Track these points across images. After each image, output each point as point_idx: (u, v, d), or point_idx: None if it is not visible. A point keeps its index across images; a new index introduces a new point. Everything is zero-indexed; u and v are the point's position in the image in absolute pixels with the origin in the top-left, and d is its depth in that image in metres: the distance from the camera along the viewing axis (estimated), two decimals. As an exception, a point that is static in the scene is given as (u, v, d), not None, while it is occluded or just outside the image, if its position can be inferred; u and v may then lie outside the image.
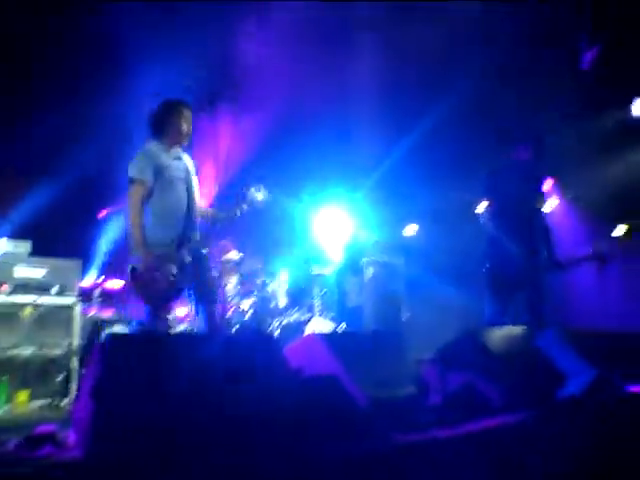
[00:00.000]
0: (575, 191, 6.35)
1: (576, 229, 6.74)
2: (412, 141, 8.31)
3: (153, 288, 3.58)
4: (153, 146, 3.87)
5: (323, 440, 2.33)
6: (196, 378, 2.28)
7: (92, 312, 5.94)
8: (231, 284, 5.80)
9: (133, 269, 3.63)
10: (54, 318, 5.21)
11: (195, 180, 3.96)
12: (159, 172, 3.74)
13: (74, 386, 4.94)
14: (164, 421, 2.10)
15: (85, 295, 5.99)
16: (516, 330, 3.90)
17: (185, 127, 3.91)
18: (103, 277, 6.68)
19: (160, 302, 3.68)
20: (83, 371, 5.01)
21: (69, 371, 5.01)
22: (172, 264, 3.64)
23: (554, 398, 3.38)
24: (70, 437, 2.48)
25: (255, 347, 2.70)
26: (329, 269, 6.87)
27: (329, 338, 2.97)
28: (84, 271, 6.22)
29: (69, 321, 5.27)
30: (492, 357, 3.27)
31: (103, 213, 8.85)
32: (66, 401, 4.81)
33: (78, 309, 5.42)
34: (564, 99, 7.85)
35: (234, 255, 5.83)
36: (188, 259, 3.72)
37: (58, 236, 7.25)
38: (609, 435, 2.97)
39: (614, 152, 8.58)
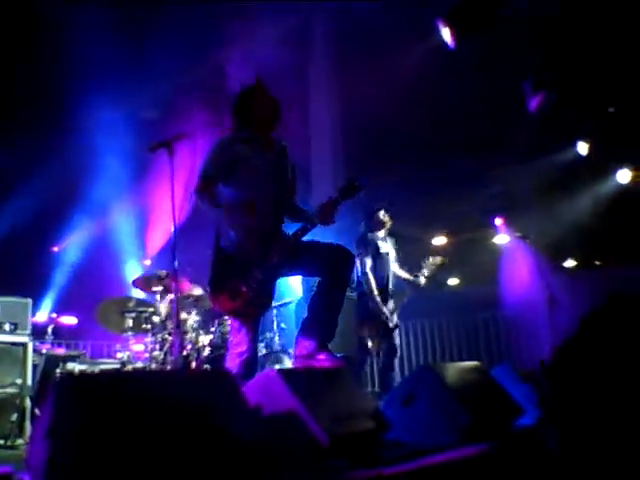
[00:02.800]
0: (524, 229, 6.61)
1: (527, 264, 6.94)
2: (370, 176, 8.45)
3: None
4: (229, 136, 3.71)
5: (281, 478, 2.33)
6: (153, 417, 2.27)
7: (45, 349, 5.82)
8: (190, 319, 5.74)
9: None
10: (6, 356, 5.10)
11: (289, 172, 3.79)
12: (235, 164, 3.57)
13: (28, 425, 4.81)
14: (121, 463, 2.08)
15: (38, 331, 5.88)
16: (471, 364, 3.98)
17: (263, 112, 3.69)
18: (56, 313, 6.56)
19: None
20: (37, 410, 4.89)
21: (23, 410, 4.88)
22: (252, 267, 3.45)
23: (510, 430, 3.45)
24: (25, 479, 2.42)
25: (213, 384, 2.68)
26: (289, 302, 6.87)
27: (287, 374, 2.97)
28: (35, 308, 6.12)
29: (22, 359, 5.16)
30: (449, 390, 3.32)
31: (57, 248, 8.73)
32: (20, 441, 4.67)
33: (30, 347, 5.31)
34: (514, 141, 8.15)
35: (194, 290, 5.79)
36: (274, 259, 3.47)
37: (7, 274, 7.13)
38: (561, 466, 3.04)
39: (563, 190, 8.90)
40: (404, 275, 6.16)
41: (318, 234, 3.75)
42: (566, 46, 5.46)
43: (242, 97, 3.77)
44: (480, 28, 4.92)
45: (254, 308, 3.52)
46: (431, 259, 6.08)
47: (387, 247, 6.15)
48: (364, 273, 5.95)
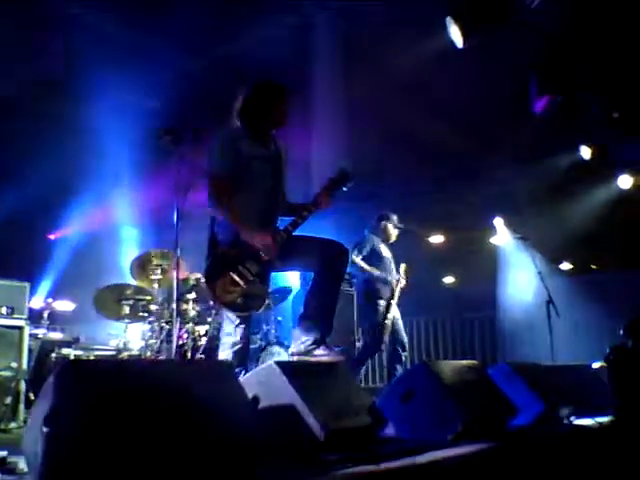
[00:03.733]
0: (523, 230, 6.66)
1: (525, 265, 6.97)
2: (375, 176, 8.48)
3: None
4: (231, 132, 3.69)
5: (277, 471, 2.34)
6: (153, 405, 2.27)
7: (41, 334, 5.81)
8: (187, 309, 5.74)
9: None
10: (2, 340, 5.09)
11: (284, 171, 3.81)
12: (239, 160, 3.56)
13: (22, 409, 4.81)
14: (119, 450, 2.08)
15: (34, 316, 5.87)
16: (468, 362, 3.99)
17: (278, 117, 3.73)
18: (52, 299, 6.54)
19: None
20: (31, 394, 4.89)
21: (17, 394, 4.88)
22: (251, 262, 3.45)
23: (505, 429, 3.46)
24: (21, 463, 2.43)
25: (211, 375, 2.68)
26: (286, 289, 6.88)
27: (286, 367, 2.97)
28: (32, 292, 6.10)
29: (18, 343, 5.15)
30: (445, 388, 3.33)
31: (54, 235, 8.71)
32: (14, 425, 4.67)
33: (27, 331, 5.30)
34: (515, 142, 8.14)
35: (191, 276, 5.77)
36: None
37: (6, 257, 7.11)
38: (555, 466, 3.06)
39: (563, 194, 8.92)
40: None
41: (318, 231, 3.76)
42: (573, 48, 5.47)
43: (260, 97, 3.72)
44: (493, 25, 4.88)
45: (250, 302, 3.52)
46: (403, 267, 6.52)
47: (388, 252, 6.49)
48: (368, 276, 6.30)
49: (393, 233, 6.51)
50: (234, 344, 3.57)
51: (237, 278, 3.45)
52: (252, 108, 3.70)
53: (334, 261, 3.57)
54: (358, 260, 6.27)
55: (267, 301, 3.76)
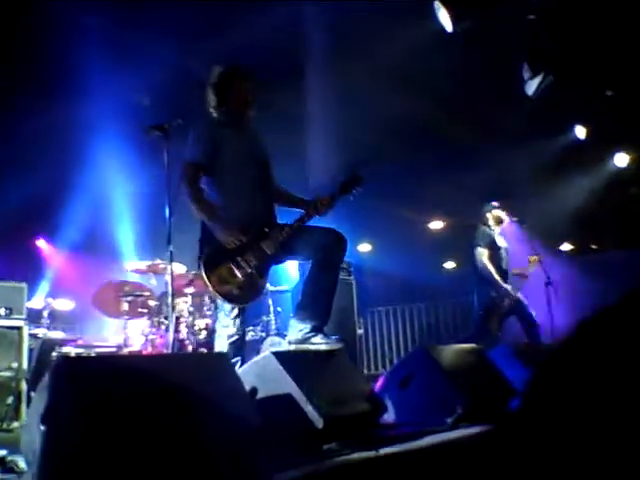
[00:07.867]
0: (522, 213, 6.69)
1: (523, 247, 6.96)
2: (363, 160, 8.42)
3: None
4: (208, 120, 3.68)
5: (277, 460, 2.34)
6: (150, 399, 2.26)
7: (41, 333, 5.81)
8: (184, 302, 5.73)
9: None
10: (1, 340, 5.10)
11: (265, 154, 3.78)
12: (218, 147, 3.55)
13: (24, 409, 4.81)
14: (116, 446, 2.07)
15: (34, 316, 5.87)
16: (468, 346, 3.98)
17: (248, 95, 3.70)
18: (51, 298, 6.54)
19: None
20: (33, 394, 4.90)
21: (19, 393, 4.88)
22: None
23: (505, 412, 3.46)
24: (21, 462, 2.43)
25: (207, 367, 2.68)
26: (285, 286, 6.88)
27: (283, 356, 2.97)
28: (31, 292, 6.11)
29: (17, 343, 5.16)
30: (445, 373, 3.32)
31: (40, 243, 8.67)
32: (16, 424, 4.67)
33: (26, 330, 5.31)
34: (510, 125, 8.12)
35: (184, 270, 5.76)
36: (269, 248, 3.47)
37: (3, 259, 7.10)
38: (558, 449, 3.05)
39: (560, 175, 8.89)
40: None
41: (318, 221, 3.74)
42: (564, 27, 5.43)
43: (219, 81, 3.72)
44: (482, 8, 4.84)
45: (246, 294, 3.49)
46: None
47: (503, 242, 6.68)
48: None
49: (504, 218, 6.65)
50: (230, 336, 3.56)
51: (235, 269, 3.43)
52: (216, 94, 3.71)
53: (331, 248, 3.55)
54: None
55: (263, 293, 3.71)
